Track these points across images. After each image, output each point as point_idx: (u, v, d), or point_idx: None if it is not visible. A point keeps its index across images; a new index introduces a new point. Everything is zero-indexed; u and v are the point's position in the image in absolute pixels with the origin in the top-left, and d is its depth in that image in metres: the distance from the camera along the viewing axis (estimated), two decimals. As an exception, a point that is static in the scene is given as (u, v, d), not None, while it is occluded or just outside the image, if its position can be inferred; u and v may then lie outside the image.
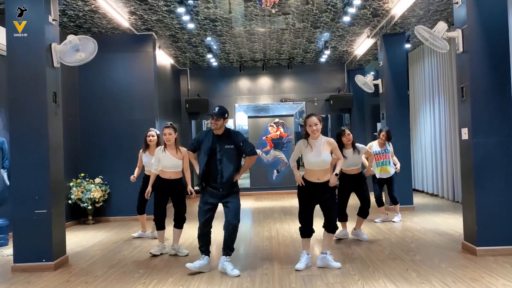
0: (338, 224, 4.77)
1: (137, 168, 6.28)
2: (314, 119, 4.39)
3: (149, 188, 5.42)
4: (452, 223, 6.68)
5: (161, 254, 5.32)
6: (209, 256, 4.55)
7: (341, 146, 5.48)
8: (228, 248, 4.46)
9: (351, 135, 5.64)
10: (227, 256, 4.45)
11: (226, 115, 4.48)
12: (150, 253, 5.31)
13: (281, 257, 5.02)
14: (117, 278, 4.40)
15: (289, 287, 3.94)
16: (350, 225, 6.09)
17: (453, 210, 7.98)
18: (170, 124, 5.30)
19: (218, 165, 4.40)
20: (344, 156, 5.51)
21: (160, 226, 5.37)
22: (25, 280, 4.40)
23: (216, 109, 4.46)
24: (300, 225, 4.57)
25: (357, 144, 5.74)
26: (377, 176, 6.91)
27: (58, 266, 4.82)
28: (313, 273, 4.33)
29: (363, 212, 5.80)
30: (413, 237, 5.84)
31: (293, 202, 10.15)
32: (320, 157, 4.36)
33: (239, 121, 12.40)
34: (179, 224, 5.30)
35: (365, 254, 5.03)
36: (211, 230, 4.56)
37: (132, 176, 6.24)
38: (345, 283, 3.97)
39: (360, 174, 5.78)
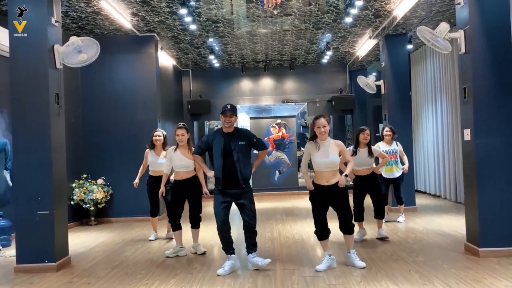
0: (355, 223, 4.78)
1: (141, 167, 6.28)
2: (323, 121, 4.41)
3: (162, 188, 5.45)
4: (455, 224, 6.67)
5: (177, 256, 5.27)
6: (235, 253, 4.57)
7: (357, 144, 5.67)
8: (252, 245, 4.55)
9: (369, 136, 5.67)
10: (254, 253, 4.53)
11: (237, 112, 4.54)
12: (166, 255, 5.24)
13: (283, 258, 5.01)
14: (120, 279, 4.40)
15: (291, 288, 3.94)
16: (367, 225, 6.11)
17: (456, 211, 7.97)
18: (183, 124, 5.36)
19: (235, 163, 4.39)
20: (355, 154, 5.59)
21: (176, 226, 5.33)
22: (27, 281, 4.41)
23: (228, 106, 4.47)
24: (315, 229, 4.54)
25: (372, 147, 5.76)
26: (384, 176, 6.83)
27: (61, 267, 4.83)
28: (315, 274, 4.32)
29: (379, 214, 5.85)
30: (415, 238, 5.83)
31: (295, 203, 10.14)
32: (328, 158, 4.38)
33: (241, 122, 12.38)
34: (195, 224, 5.33)
35: (368, 255, 5.02)
36: (230, 228, 4.59)
37: (134, 182, 6.24)
38: (347, 284, 3.96)
39: (373, 174, 5.75)
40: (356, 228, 5.96)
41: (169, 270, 4.66)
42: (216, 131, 4.61)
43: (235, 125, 4.61)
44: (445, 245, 5.40)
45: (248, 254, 4.57)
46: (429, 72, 10.45)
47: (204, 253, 5.32)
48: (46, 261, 4.73)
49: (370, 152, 5.66)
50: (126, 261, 5.12)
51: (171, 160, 5.32)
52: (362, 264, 4.49)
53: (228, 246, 4.54)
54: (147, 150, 6.19)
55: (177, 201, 5.31)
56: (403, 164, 6.92)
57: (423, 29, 5.13)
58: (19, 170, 4.84)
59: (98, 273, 4.63)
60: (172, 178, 5.51)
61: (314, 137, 4.51)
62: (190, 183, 5.27)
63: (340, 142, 4.53)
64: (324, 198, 4.45)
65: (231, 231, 4.59)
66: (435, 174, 10.30)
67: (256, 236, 4.62)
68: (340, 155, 4.48)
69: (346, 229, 4.52)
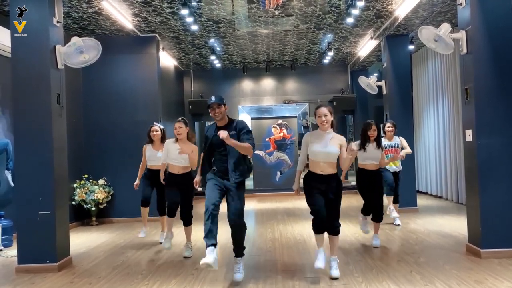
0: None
1: (141, 165, 6.21)
2: (324, 110, 4.16)
3: (162, 176, 5.48)
4: (456, 225, 6.66)
5: (172, 249, 5.31)
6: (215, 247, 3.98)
7: (366, 139, 5.38)
8: (236, 247, 4.25)
9: (376, 131, 5.41)
10: (238, 258, 4.26)
11: (224, 101, 4.21)
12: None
13: (284, 259, 5.01)
14: (121, 279, 4.40)
15: (292, 289, 3.94)
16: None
17: (457, 212, 7.96)
18: (182, 118, 5.32)
19: (228, 158, 4.08)
20: (364, 150, 5.36)
21: (171, 213, 5.24)
22: (29, 281, 4.41)
23: (213, 98, 4.17)
24: (313, 217, 4.22)
25: (382, 141, 5.59)
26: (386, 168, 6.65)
27: (62, 267, 4.83)
28: (316, 274, 4.32)
29: (377, 216, 5.44)
30: (417, 239, 5.82)
31: (296, 203, 10.13)
32: (326, 149, 4.11)
33: (242, 122, 12.38)
34: (187, 221, 5.27)
35: (369, 256, 5.02)
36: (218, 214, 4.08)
37: (135, 183, 6.22)
38: (348, 285, 3.96)
39: (378, 171, 5.50)
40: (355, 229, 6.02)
41: (170, 271, 4.66)
42: (211, 125, 4.33)
43: (235, 118, 4.36)
44: (446, 246, 5.39)
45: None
46: (430, 72, 10.44)
47: (188, 257, 5.15)
48: (48, 261, 4.74)
49: (379, 145, 5.40)
50: (127, 262, 5.12)
51: (167, 152, 5.24)
52: (336, 274, 4.16)
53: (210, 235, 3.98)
54: (145, 146, 6.16)
55: (171, 191, 5.21)
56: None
57: (425, 29, 5.12)
58: (21, 170, 4.84)
59: (99, 274, 4.63)
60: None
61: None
62: (184, 179, 5.15)
63: (342, 138, 4.25)
64: (318, 183, 4.15)
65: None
66: (436, 174, 10.29)
67: (243, 238, 4.27)
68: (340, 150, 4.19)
69: (332, 228, 4.23)
